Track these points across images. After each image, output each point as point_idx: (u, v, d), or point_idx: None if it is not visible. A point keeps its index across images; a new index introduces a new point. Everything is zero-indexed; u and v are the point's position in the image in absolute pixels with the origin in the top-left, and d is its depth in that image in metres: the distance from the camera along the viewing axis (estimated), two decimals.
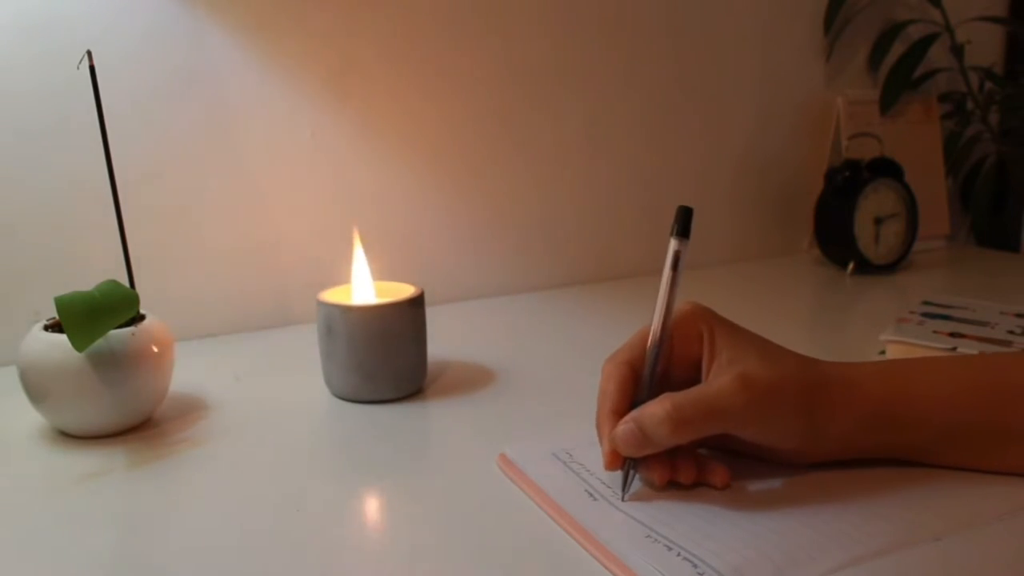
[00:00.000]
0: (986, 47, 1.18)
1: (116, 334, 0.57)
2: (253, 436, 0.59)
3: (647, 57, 0.99)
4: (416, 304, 0.64)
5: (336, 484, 0.53)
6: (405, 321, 0.64)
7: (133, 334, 0.58)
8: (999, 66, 1.21)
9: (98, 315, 0.55)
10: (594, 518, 0.45)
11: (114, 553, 0.45)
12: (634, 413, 0.46)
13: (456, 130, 0.90)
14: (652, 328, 0.49)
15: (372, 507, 0.51)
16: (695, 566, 0.40)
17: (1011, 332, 0.69)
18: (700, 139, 1.05)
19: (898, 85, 1.07)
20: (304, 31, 0.81)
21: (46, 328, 0.58)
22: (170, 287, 0.78)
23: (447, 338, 0.76)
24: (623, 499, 0.47)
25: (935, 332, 0.69)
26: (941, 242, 1.14)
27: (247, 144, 0.81)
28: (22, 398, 0.58)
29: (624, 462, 0.47)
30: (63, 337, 0.54)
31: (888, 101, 1.07)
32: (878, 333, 0.69)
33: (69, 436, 0.58)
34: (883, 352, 0.69)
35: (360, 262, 0.66)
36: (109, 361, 0.56)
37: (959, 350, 0.65)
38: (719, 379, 0.46)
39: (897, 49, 1.09)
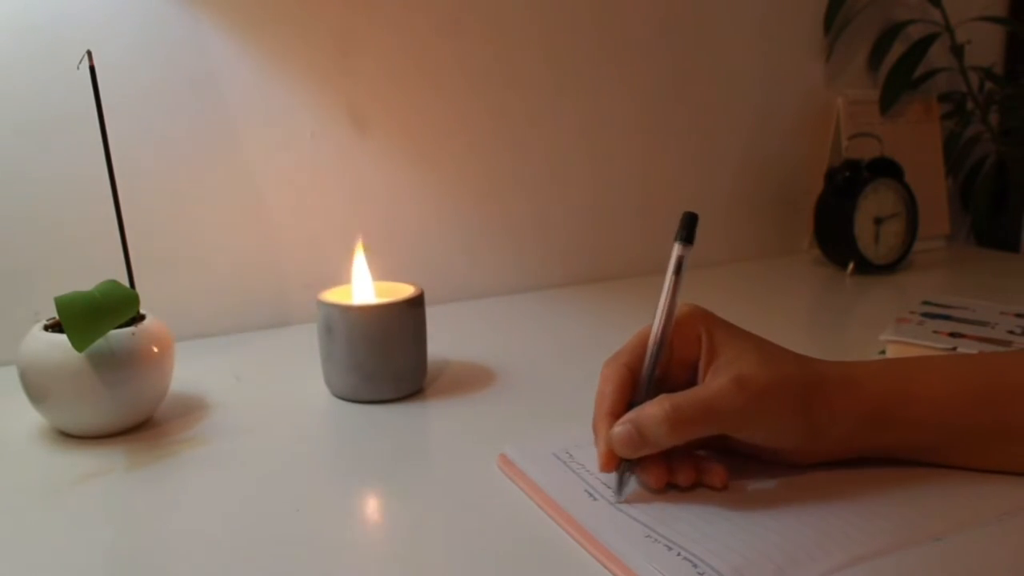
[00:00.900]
0: (986, 47, 1.18)
1: (116, 334, 0.57)
2: (253, 436, 0.59)
3: (647, 57, 0.99)
4: (416, 304, 0.64)
5: (336, 484, 0.53)
6: (405, 321, 0.64)
7: (133, 334, 0.58)
8: (999, 66, 1.21)
9: (98, 315, 0.55)
10: (594, 518, 0.45)
11: (114, 553, 0.45)
12: (631, 414, 0.46)
13: (456, 130, 0.90)
14: (652, 331, 0.49)
15: (372, 507, 0.51)
16: (695, 566, 0.40)
17: (1011, 332, 0.69)
18: (700, 139, 1.05)
19: (898, 85, 1.07)
20: (305, 31, 0.81)
21: (46, 328, 0.58)
22: (170, 287, 0.78)
23: (447, 338, 0.76)
24: (618, 500, 0.47)
25: (935, 332, 0.69)
26: (941, 242, 1.14)
27: (247, 144, 0.81)
28: (22, 398, 0.58)
29: (620, 463, 0.47)
30: (63, 337, 0.54)
31: (888, 101, 1.07)
32: (878, 333, 0.69)
33: (69, 436, 0.58)
34: (883, 352, 0.69)
35: (360, 263, 0.66)
36: (109, 361, 0.56)
37: (959, 350, 0.65)
38: (716, 380, 0.46)
39: (897, 49, 1.09)
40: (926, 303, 0.77)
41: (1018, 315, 0.74)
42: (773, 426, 0.47)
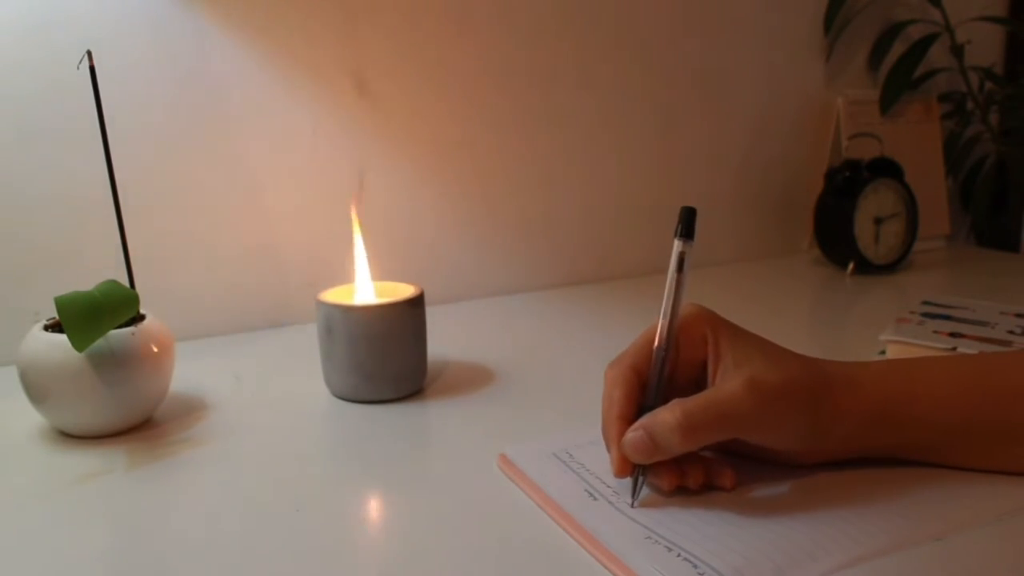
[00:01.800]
0: (986, 47, 1.18)
1: (116, 334, 0.57)
2: (253, 436, 0.59)
3: (648, 57, 0.99)
4: (416, 304, 0.64)
5: (336, 484, 0.53)
6: (405, 321, 0.64)
7: (133, 334, 0.58)
8: (999, 66, 1.21)
9: (98, 315, 0.55)
10: (594, 518, 0.45)
11: (114, 553, 0.45)
12: (643, 420, 0.46)
13: (457, 130, 0.90)
14: (659, 331, 0.49)
15: (372, 507, 0.51)
16: (695, 566, 0.40)
17: (1011, 332, 0.69)
18: (700, 139, 1.05)
19: (898, 85, 1.07)
20: (305, 31, 0.81)
21: (46, 328, 0.58)
22: (170, 287, 0.78)
23: (447, 338, 0.76)
24: (632, 506, 0.46)
25: (935, 332, 0.69)
26: (941, 242, 1.14)
27: (248, 144, 0.81)
28: (22, 398, 0.58)
29: (634, 469, 0.47)
30: (63, 337, 0.54)
31: (888, 101, 1.07)
32: (878, 333, 0.69)
33: (69, 436, 0.58)
34: (883, 352, 0.69)
35: (360, 260, 0.66)
36: (109, 361, 0.56)
37: (959, 350, 0.65)
38: (728, 383, 0.46)
39: (897, 49, 1.09)
40: (926, 303, 0.77)
41: (1018, 315, 0.74)
42: (783, 428, 0.47)
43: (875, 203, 1.01)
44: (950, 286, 1.00)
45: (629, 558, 0.42)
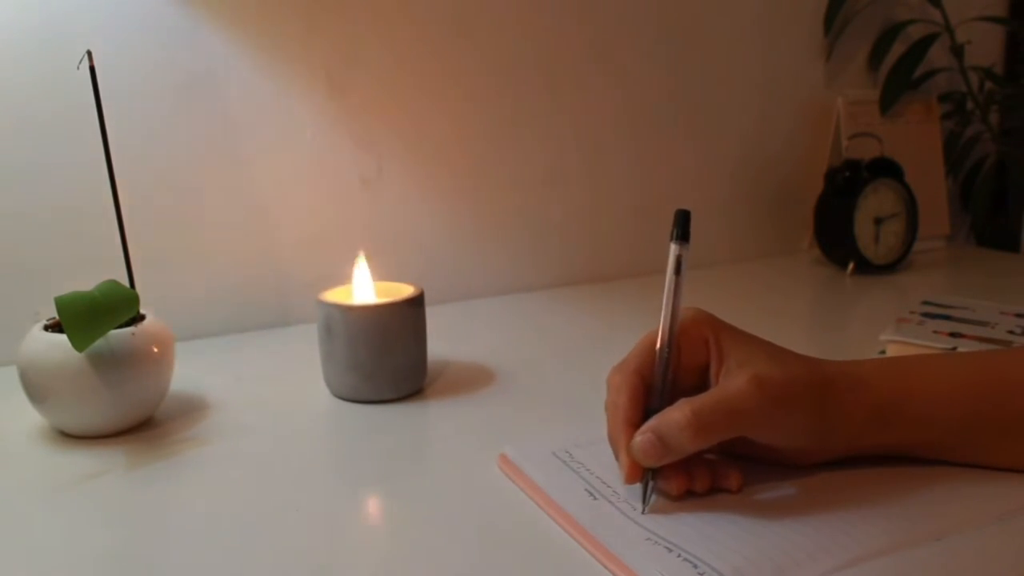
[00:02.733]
0: (986, 47, 1.18)
1: (116, 334, 0.57)
2: (253, 436, 0.59)
3: (647, 57, 0.99)
4: (416, 304, 0.64)
5: (336, 484, 0.53)
6: (405, 321, 0.64)
7: (133, 334, 0.58)
8: (999, 66, 1.21)
9: (98, 315, 0.55)
10: (594, 518, 0.45)
11: (114, 553, 0.45)
12: (651, 422, 0.46)
13: (456, 130, 0.90)
14: (660, 335, 0.48)
15: (372, 507, 0.51)
16: (695, 566, 0.40)
17: (1011, 332, 0.69)
18: (700, 139, 1.05)
19: (898, 85, 1.07)
20: (305, 30, 0.81)
21: (46, 328, 0.58)
22: (170, 287, 0.78)
23: (447, 338, 0.76)
24: (643, 512, 0.46)
25: (935, 332, 0.69)
26: (941, 242, 1.14)
27: (247, 143, 0.81)
28: (22, 398, 0.58)
29: (644, 474, 0.46)
30: (63, 337, 0.54)
31: (888, 101, 1.07)
32: (878, 333, 0.69)
33: (69, 436, 0.58)
34: (883, 352, 0.69)
35: (363, 275, 0.66)
36: (109, 361, 0.56)
37: (959, 350, 0.65)
38: (734, 381, 0.46)
39: (897, 49, 1.09)
40: (926, 303, 0.77)
41: (1018, 315, 0.74)
42: (790, 425, 0.47)
43: (875, 203, 1.01)
44: (950, 286, 1.00)
45: (629, 558, 0.42)
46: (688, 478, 0.47)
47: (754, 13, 1.05)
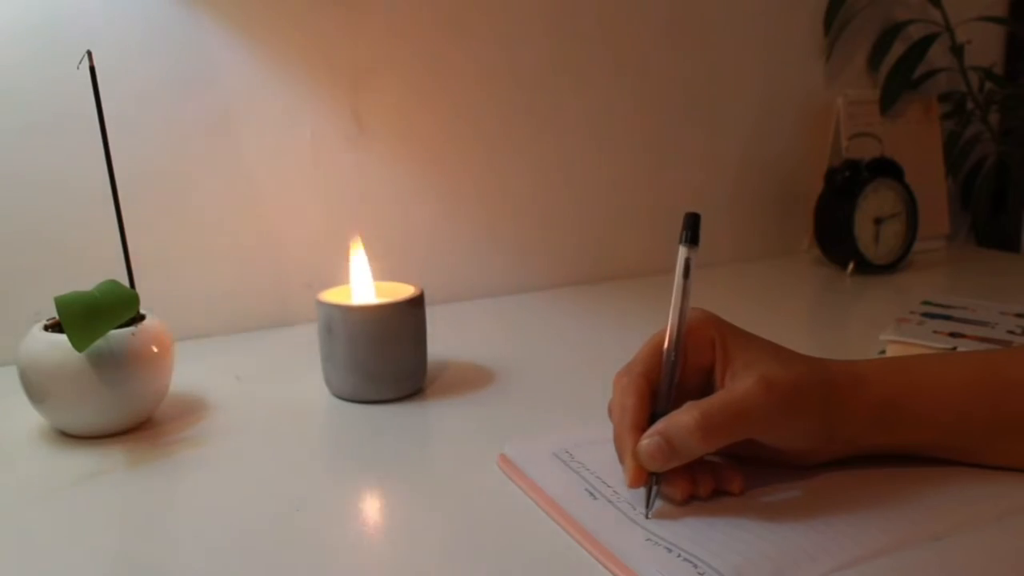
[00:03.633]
0: (986, 47, 1.18)
1: (116, 334, 0.57)
2: (253, 436, 0.59)
3: (647, 57, 0.99)
4: (416, 304, 0.64)
5: (336, 484, 0.53)
6: (405, 321, 0.64)
7: (133, 334, 0.58)
8: (999, 66, 1.21)
9: (98, 315, 0.55)
10: (594, 518, 0.45)
11: (114, 553, 0.45)
12: (658, 425, 0.45)
13: (456, 130, 0.90)
14: (668, 337, 0.48)
15: (372, 507, 0.51)
16: (695, 566, 0.40)
17: (1011, 332, 0.69)
18: (700, 139, 1.05)
19: (898, 85, 1.07)
20: (304, 31, 0.81)
21: (46, 328, 0.58)
22: (170, 287, 0.78)
23: (447, 338, 0.76)
24: (647, 517, 0.45)
25: (935, 332, 0.69)
26: (941, 242, 1.14)
27: (247, 144, 0.81)
28: (22, 398, 0.58)
29: (648, 478, 0.46)
30: (63, 337, 0.54)
31: (888, 101, 1.07)
32: (878, 333, 0.69)
33: (69, 436, 0.58)
34: (883, 352, 0.69)
35: (360, 262, 0.66)
36: (109, 361, 0.56)
37: (959, 350, 0.65)
38: (742, 383, 0.46)
39: (897, 49, 1.09)
40: (926, 303, 0.77)
41: (1018, 315, 0.74)
42: (796, 427, 0.47)
43: (875, 203, 1.01)
44: (950, 286, 1.00)
45: (629, 558, 0.42)
46: (692, 483, 0.46)
47: (754, 13, 1.05)
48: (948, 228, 1.15)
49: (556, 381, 0.69)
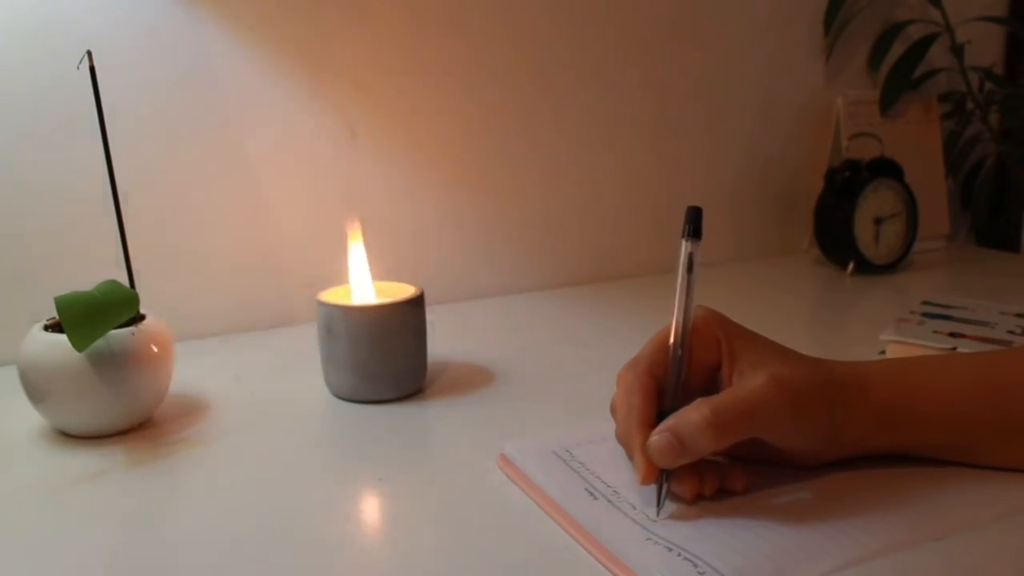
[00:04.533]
0: (986, 47, 1.18)
1: (116, 334, 0.57)
2: (253, 436, 0.59)
3: (647, 58, 0.99)
4: (416, 304, 0.64)
5: (336, 484, 0.53)
6: (405, 321, 0.64)
7: (133, 334, 0.58)
8: (999, 66, 1.21)
9: (98, 315, 0.55)
10: (594, 517, 0.45)
11: (114, 553, 0.45)
12: (668, 422, 0.45)
13: (457, 130, 0.90)
14: (673, 334, 0.48)
15: (372, 507, 0.51)
16: (695, 565, 0.40)
17: (1011, 332, 0.69)
18: (700, 139, 1.05)
19: (898, 85, 1.07)
20: (305, 31, 0.81)
21: (46, 328, 0.58)
22: (170, 287, 0.78)
23: (447, 338, 0.76)
24: (657, 516, 0.45)
25: (935, 332, 0.69)
26: (941, 242, 1.14)
27: (248, 144, 0.81)
28: (22, 398, 0.58)
29: (659, 475, 0.45)
30: (63, 337, 0.54)
31: (888, 101, 1.07)
32: (878, 333, 0.69)
33: (69, 436, 0.58)
34: (883, 352, 0.69)
35: (360, 261, 0.66)
36: (109, 361, 0.56)
37: (959, 350, 0.65)
38: (751, 382, 0.46)
39: (897, 49, 1.09)
40: (926, 303, 0.77)
41: (1018, 315, 0.74)
42: (804, 426, 0.47)
43: (875, 203, 1.01)
44: (950, 286, 1.00)
45: (629, 557, 0.42)
46: (699, 481, 0.46)
47: (754, 13, 1.05)
48: (948, 228, 1.15)
49: (556, 381, 0.69)
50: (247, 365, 0.73)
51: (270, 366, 0.74)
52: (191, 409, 0.63)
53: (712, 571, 0.40)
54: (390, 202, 0.88)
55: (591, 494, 0.48)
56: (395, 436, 0.59)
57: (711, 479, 0.47)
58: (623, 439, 0.48)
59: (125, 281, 0.60)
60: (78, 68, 0.58)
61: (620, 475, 0.49)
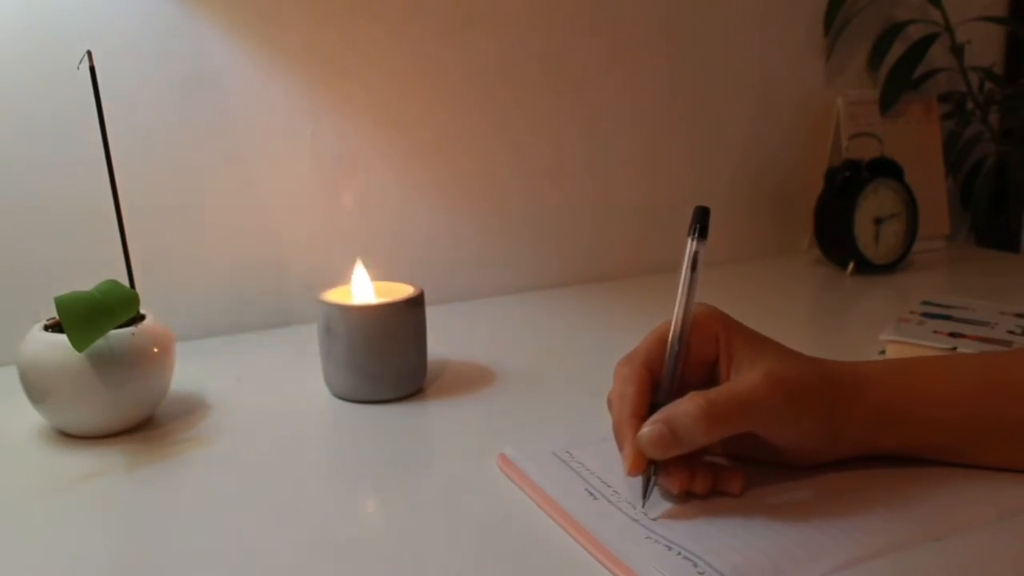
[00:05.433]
0: (986, 47, 1.18)
1: (116, 334, 0.57)
2: (253, 436, 0.59)
3: (647, 57, 0.99)
4: (416, 304, 0.64)
5: (336, 484, 0.53)
6: (405, 321, 0.64)
7: (133, 334, 0.58)
8: (999, 66, 1.21)
9: (98, 315, 0.55)
10: (594, 518, 0.45)
11: (114, 553, 0.45)
12: (661, 413, 0.45)
13: (456, 130, 0.90)
14: (672, 329, 0.48)
15: (372, 507, 0.51)
16: (695, 565, 0.40)
17: (1011, 332, 0.69)
18: (700, 139, 1.05)
19: (898, 85, 1.07)
20: (305, 30, 0.81)
21: (46, 328, 0.58)
22: (170, 287, 0.78)
23: (447, 338, 0.76)
24: (643, 506, 0.46)
25: (935, 332, 0.69)
26: (941, 242, 1.14)
27: (247, 144, 0.81)
28: (22, 398, 0.58)
29: (648, 466, 0.46)
30: (63, 337, 0.54)
31: (888, 101, 1.07)
32: (878, 333, 0.69)
33: (69, 436, 0.58)
34: (883, 352, 0.69)
35: (359, 271, 0.66)
36: (109, 361, 0.56)
37: (959, 350, 0.65)
38: (748, 376, 0.46)
39: (897, 49, 1.09)
40: (926, 303, 0.77)
41: (1018, 315, 0.74)
42: (800, 424, 0.47)
43: (875, 203, 1.01)
44: (950, 286, 1.00)
45: (629, 557, 0.42)
46: (689, 476, 0.46)
47: (754, 13, 1.05)
48: (948, 228, 1.15)
49: (556, 381, 0.69)
50: (247, 365, 0.73)
51: (270, 366, 0.74)
52: (191, 409, 0.63)
53: (711, 570, 0.40)
54: (390, 202, 0.88)
55: (591, 494, 0.48)
56: (395, 436, 0.58)
57: (703, 477, 0.47)
58: (615, 429, 0.48)
59: (125, 281, 0.60)
60: (78, 68, 0.58)
61: (620, 475, 0.49)
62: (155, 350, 0.58)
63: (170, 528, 0.47)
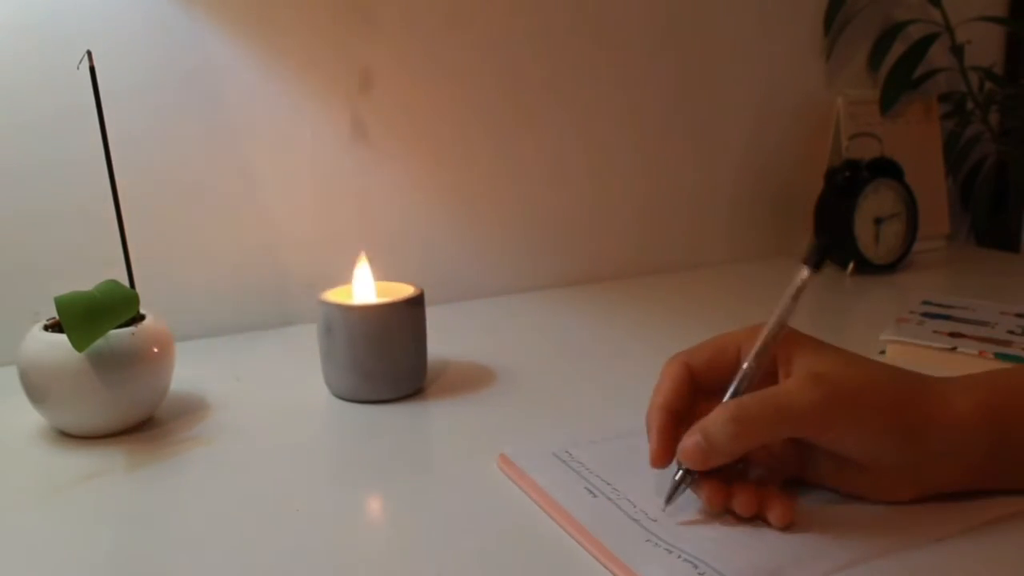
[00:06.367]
0: (986, 47, 1.18)
1: (116, 334, 0.57)
2: (253, 436, 0.59)
3: (646, 57, 0.99)
4: (416, 304, 0.64)
5: (336, 484, 0.53)
6: (405, 321, 0.64)
7: (133, 334, 0.58)
8: (999, 66, 1.21)
9: (98, 315, 0.55)
10: (594, 518, 0.45)
11: (114, 553, 0.45)
12: (698, 424, 0.44)
13: (456, 130, 0.90)
14: (755, 350, 0.46)
15: (372, 507, 0.51)
16: (695, 566, 0.40)
17: (1011, 332, 0.69)
18: (700, 139, 1.04)
19: (898, 85, 1.07)
20: (305, 30, 0.81)
21: (46, 328, 0.58)
22: (170, 287, 0.78)
23: (447, 338, 0.76)
24: (664, 508, 0.45)
25: (935, 332, 0.69)
26: (941, 242, 1.14)
27: (247, 143, 0.81)
28: (22, 398, 0.58)
29: (668, 460, 0.45)
30: (63, 337, 0.54)
31: (888, 101, 1.07)
32: (878, 333, 0.69)
33: (69, 436, 0.58)
34: (883, 352, 0.69)
35: (363, 273, 0.66)
36: (109, 361, 0.56)
37: (959, 350, 0.65)
38: (788, 380, 0.44)
39: (897, 49, 1.09)
40: (926, 303, 0.77)
41: (1018, 315, 0.74)
42: (860, 435, 0.43)
43: (875, 203, 1.01)
44: (950, 286, 1.00)
45: (629, 558, 0.42)
46: (726, 494, 0.44)
47: (754, 13, 1.05)
48: (948, 228, 1.15)
49: (556, 381, 0.69)
50: (247, 365, 0.73)
51: (270, 366, 0.74)
52: (191, 409, 0.63)
53: (712, 571, 0.40)
54: (390, 202, 0.88)
55: (591, 494, 0.48)
56: (395, 436, 0.58)
57: (747, 498, 0.44)
58: (647, 419, 0.47)
59: (125, 281, 0.60)
60: (78, 68, 0.58)
61: (620, 475, 0.49)
62: (155, 350, 0.58)
63: (170, 528, 0.47)
